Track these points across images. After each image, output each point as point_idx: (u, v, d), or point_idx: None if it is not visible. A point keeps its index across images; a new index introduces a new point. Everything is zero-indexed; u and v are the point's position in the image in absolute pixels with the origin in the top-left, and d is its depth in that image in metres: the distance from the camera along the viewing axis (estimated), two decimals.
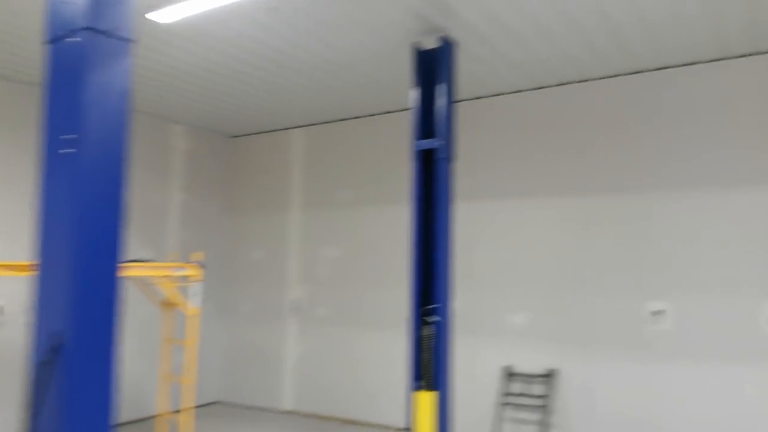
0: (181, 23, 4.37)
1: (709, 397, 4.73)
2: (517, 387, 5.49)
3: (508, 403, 5.47)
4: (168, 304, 5.65)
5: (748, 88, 4.80)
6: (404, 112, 6.43)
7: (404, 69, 5.25)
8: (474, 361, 5.78)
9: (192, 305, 5.20)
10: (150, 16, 4.23)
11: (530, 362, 5.50)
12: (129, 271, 4.64)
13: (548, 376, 5.35)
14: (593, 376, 5.20)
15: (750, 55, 4.82)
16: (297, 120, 7.03)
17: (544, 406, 5.25)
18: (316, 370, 6.82)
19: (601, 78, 5.41)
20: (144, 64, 5.24)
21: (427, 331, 4.31)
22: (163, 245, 6.93)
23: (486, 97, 6.00)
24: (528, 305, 5.57)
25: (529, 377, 5.44)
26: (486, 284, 5.81)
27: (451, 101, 4.53)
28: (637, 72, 5.26)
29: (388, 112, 6.61)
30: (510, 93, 5.87)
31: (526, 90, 5.78)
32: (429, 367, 4.22)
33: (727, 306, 4.74)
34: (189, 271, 5.06)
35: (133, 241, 6.52)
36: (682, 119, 5.04)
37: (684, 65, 5.07)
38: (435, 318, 4.29)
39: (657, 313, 4.99)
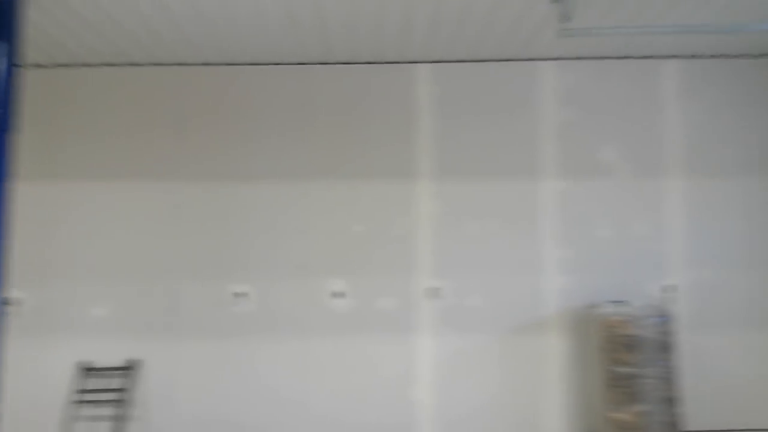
0: None
1: (289, 366, 5.13)
2: (95, 383, 5.06)
3: (83, 401, 5.00)
4: None
5: (323, 91, 5.37)
6: None
7: None
8: (46, 360, 5.13)
9: None
10: None
11: (112, 356, 5.13)
12: None
13: (128, 369, 5.07)
14: (178, 364, 5.14)
15: (326, 63, 5.38)
16: None
17: (121, 400, 4.96)
18: None
19: (195, 64, 5.37)
20: None
21: None
22: None
23: (72, 66, 5.37)
24: (111, 296, 5.20)
25: (109, 371, 5.07)
26: (64, 275, 5.21)
27: (13, 63, 3.87)
28: (230, 64, 5.38)
29: None
30: (100, 65, 5.38)
31: (119, 65, 5.37)
32: None
33: (299, 285, 5.22)
34: None
35: None
36: (269, 114, 5.35)
37: (271, 64, 5.38)
38: None
39: (240, 296, 5.21)
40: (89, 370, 5.09)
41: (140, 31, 4.65)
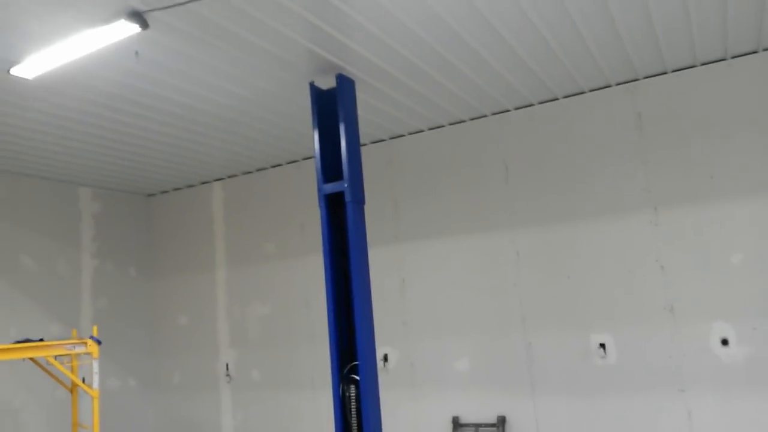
0: (46, 77, 3.98)
1: (665, 427, 4.40)
2: None
3: None
4: (73, 386, 5.14)
5: (660, 108, 4.67)
6: None
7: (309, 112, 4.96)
8: (418, 413, 5.35)
9: (94, 385, 4.68)
10: (15, 72, 3.84)
11: (477, 410, 5.09)
12: (14, 353, 4.15)
13: (497, 426, 4.94)
14: (543, 418, 4.83)
15: (659, 74, 4.69)
16: (215, 173, 6.63)
17: None
18: None
19: (515, 109, 5.22)
20: (18, 124, 4.78)
21: (349, 391, 3.89)
22: (76, 318, 6.37)
23: (403, 135, 5.74)
24: (469, 348, 5.20)
25: (477, 426, 5.02)
26: (422, 330, 5.43)
27: (354, 141, 4.23)
28: (552, 100, 5.09)
29: (306, 159, 6.30)
30: (427, 130, 5.63)
31: (443, 126, 5.54)
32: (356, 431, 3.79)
33: (671, 331, 4.46)
34: (85, 348, 4.55)
35: (41, 315, 5.99)
36: (599, 146, 4.85)
37: (597, 89, 4.91)
38: (357, 377, 3.89)
39: (600, 346, 4.68)
40: (461, 426, 5.11)
41: (456, 88, 4.67)
